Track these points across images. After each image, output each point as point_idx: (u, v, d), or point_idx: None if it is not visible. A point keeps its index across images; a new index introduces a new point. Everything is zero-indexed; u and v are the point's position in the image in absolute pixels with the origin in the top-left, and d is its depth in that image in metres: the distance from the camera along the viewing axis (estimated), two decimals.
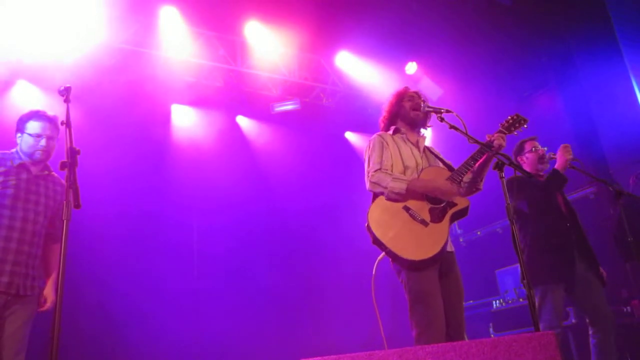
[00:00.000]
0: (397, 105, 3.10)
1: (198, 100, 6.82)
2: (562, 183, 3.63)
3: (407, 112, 3.05)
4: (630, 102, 5.83)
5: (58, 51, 5.43)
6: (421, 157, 2.97)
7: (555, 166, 3.63)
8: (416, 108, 3.03)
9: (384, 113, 3.18)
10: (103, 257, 5.43)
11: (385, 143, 2.93)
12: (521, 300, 5.42)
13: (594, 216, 5.53)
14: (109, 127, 5.73)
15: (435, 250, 2.60)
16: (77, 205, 2.17)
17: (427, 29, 6.64)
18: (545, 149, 3.88)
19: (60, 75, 5.27)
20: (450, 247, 2.82)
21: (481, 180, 2.97)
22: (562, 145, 3.65)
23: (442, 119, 2.83)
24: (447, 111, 2.84)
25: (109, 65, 5.88)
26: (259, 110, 7.12)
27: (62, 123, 2.43)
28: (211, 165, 6.51)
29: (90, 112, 5.65)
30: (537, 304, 3.45)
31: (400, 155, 2.90)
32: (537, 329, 2.28)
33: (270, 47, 6.64)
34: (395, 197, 2.72)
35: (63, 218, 2.11)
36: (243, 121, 7.34)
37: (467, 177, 2.88)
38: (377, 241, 2.68)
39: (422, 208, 2.72)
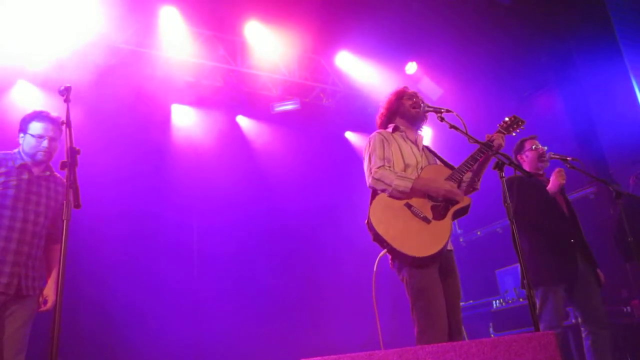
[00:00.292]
0: (397, 103, 3.10)
1: (198, 100, 6.82)
2: None
3: (407, 110, 3.05)
4: (630, 102, 5.83)
5: (58, 51, 5.43)
6: (421, 156, 2.96)
7: (548, 188, 3.63)
8: (416, 106, 3.04)
9: (381, 110, 3.17)
10: (103, 257, 5.43)
11: (386, 140, 2.91)
12: (521, 300, 5.42)
13: (594, 216, 5.53)
14: (109, 127, 5.73)
15: (438, 247, 2.60)
16: (77, 205, 2.16)
17: (427, 29, 6.64)
18: (546, 147, 3.89)
19: (60, 75, 5.27)
20: (449, 246, 2.82)
21: (478, 180, 2.98)
22: (557, 169, 3.65)
23: (442, 119, 2.83)
24: (447, 111, 2.84)
25: (109, 65, 5.88)
26: (259, 110, 7.12)
27: (62, 123, 2.43)
28: (211, 165, 6.51)
29: (91, 112, 5.65)
30: (538, 304, 3.45)
31: (401, 152, 2.89)
32: (537, 329, 2.28)
33: (270, 47, 6.64)
34: (398, 195, 2.71)
35: (63, 218, 2.11)
36: (243, 121, 7.34)
37: (466, 177, 2.89)
38: (378, 238, 2.66)
39: (424, 205, 2.71)
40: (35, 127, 3.10)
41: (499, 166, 2.59)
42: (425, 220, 2.66)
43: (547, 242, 3.59)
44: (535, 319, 2.32)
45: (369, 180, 2.81)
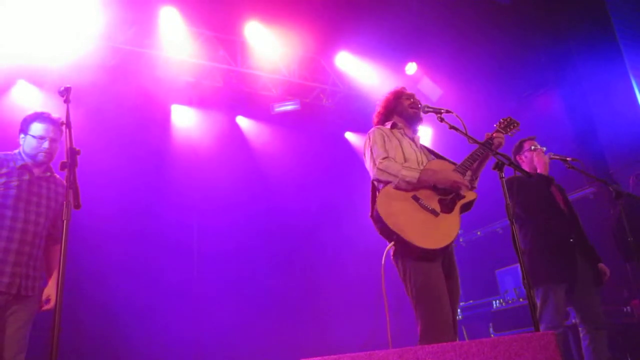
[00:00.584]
0: (395, 102, 3.10)
1: (198, 101, 6.82)
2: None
3: (405, 109, 3.06)
4: (630, 102, 5.83)
5: (58, 51, 5.43)
6: (420, 153, 2.97)
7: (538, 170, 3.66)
8: (414, 106, 3.05)
9: (379, 109, 3.16)
10: (103, 257, 5.44)
11: (385, 135, 2.90)
12: (521, 300, 5.42)
13: (594, 216, 5.53)
14: (109, 127, 5.73)
15: (449, 240, 2.57)
16: (77, 206, 2.16)
17: (427, 29, 6.65)
18: (544, 148, 3.89)
19: (60, 75, 5.27)
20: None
21: (476, 179, 2.98)
22: (537, 150, 3.69)
23: (442, 120, 2.83)
24: (447, 111, 2.84)
25: (109, 66, 5.89)
26: (259, 111, 7.13)
27: (62, 123, 2.43)
28: (211, 166, 6.51)
29: (90, 112, 5.65)
30: (538, 304, 3.45)
31: (401, 148, 2.88)
32: (537, 329, 2.27)
33: (270, 48, 6.64)
34: (405, 186, 2.67)
35: (63, 218, 2.11)
36: (243, 121, 7.34)
37: (467, 175, 2.90)
38: (386, 230, 2.59)
39: (431, 198, 2.69)
40: (37, 128, 3.10)
41: (499, 166, 2.59)
42: (434, 213, 2.63)
43: (547, 242, 3.59)
44: (535, 319, 2.32)
45: (373, 172, 2.77)
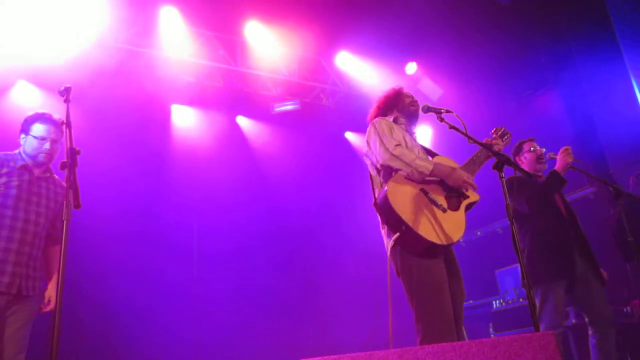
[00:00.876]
0: (396, 97, 3.08)
1: (198, 100, 6.83)
2: (560, 184, 3.62)
3: (406, 105, 3.05)
4: (630, 102, 5.83)
5: (58, 51, 5.43)
6: (420, 149, 2.96)
7: (555, 167, 3.63)
8: (414, 105, 3.05)
9: (377, 103, 3.14)
10: (103, 257, 5.44)
11: (392, 126, 2.86)
12: (521, 300, 5.42)
13: (594, 216, 5.53)
14: (109, 127, 5.73)
15: (457, 237, 2.54)
16: (77, 206, 2.16)
17: (427, 29, 6.64)
18: (544, 149, 3.89)
19: (60, 75, 5.27)
20: None
21: None
22: (563, 148, 3.65)
23: (442, 119, 2.83)
24: (447, 111, 2.84)
25: (109, 65, 5.89)
26: (259, 110, 7.13)
27: (62, 123, 2.43)
28: (211, 166, 6.51)
29: (91, 112, 5.65)
30: (538, 304, 3.45)
31: (405, 141, 2.86)
32: (537, 329, 2.27)
33: (270, 47, 6.64)
34: (417, 176, 2.61)
35: (63, 218, 2.11)
36: (243, 121, 7.34)
37: None
38: (395, 219, 2.52)
39: (439, 194, 2.67)
40: (38, 129, 3.10)
41: (499, 166, 2.59)
42: (442, 209, 2.60)
43: (546, 242, 3.59)
44: (535, 319, 2.31)
45: (384, 157, 2.67)
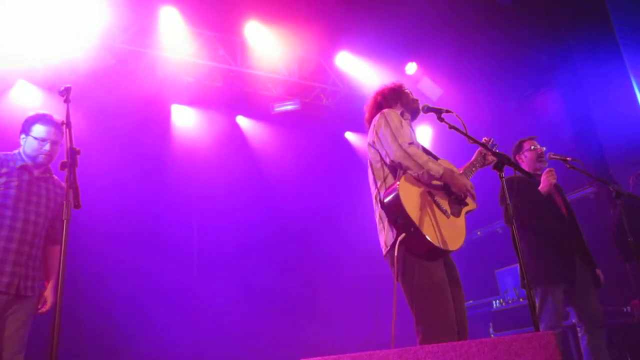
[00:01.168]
0: (399, 91, 3.02)
1: (198, 100, 6.82)
2: None
3: (410, 101, 3.00)
4: (630, 102, 5.83)
5: (58, 51, 5.43)
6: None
7: (540, 188, 3.63)
8: (416, 102, 3.02)
9: (377, 97, 3.02)
10: (103, 257, 5.44)
11: (401, 120, 2.79)
12: (521, 300, 5.42)
13: (594, 216, 5.53)
14: (109, 127, 5.73)
15: (458, 244, 2.55)
16: (77, 206, 2.16)
17: (427, 29, 6.64)
18: (544, 148, 3.89)
19: (61, 75, 5.27)
20: None
21: None
22: (547, 169, 3.66)
23: (441, 119, 2.82)
24: (447, 111, 2.82)
25: (109, 66, 5.88)
26: (259, 110, 7.12)
27: (62, 123, 2.43)
28: (211, 166, 6.51)
29: (90, 112, 5.65)
30: (537, 304, 3.46)
31: (413, 138, 2.82)
32: (537, 329, 2.27)
33: (270, 47, 6.64)
34: (426, 178, 2.57)
35: (63, 218, 2.10)
36: (243, 121, 7.34)
37: None
38: (403, 218, 2.48)
39: (443, 198, 2.66)
40: (38, 130, 3.10)
41: (499, 166, 2.58)
42: (446, 213, 2.61)
43: (546, 243, 3.59)
44: (535, 319, 2.31)
45: (397, 154, 2.60)
